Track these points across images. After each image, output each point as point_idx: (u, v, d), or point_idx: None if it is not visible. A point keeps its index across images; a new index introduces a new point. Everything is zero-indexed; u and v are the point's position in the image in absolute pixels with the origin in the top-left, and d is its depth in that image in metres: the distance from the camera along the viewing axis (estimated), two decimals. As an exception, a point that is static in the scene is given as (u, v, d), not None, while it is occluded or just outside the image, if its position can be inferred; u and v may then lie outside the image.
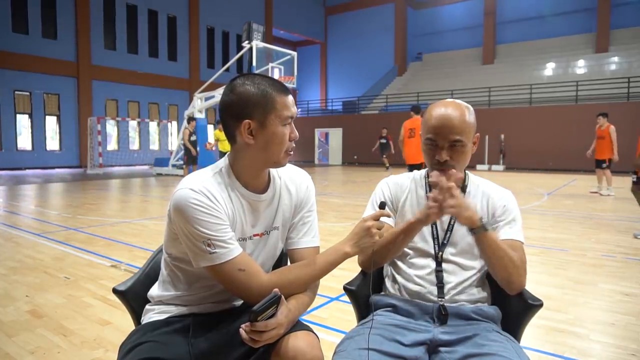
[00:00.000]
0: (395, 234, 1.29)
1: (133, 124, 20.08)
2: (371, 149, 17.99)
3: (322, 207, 7.25)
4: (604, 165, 8.95)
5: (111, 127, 19.52)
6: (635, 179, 5.32)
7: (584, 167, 14.90)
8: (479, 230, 1.19)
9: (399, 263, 1.38)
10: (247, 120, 1.10)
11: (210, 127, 19.28)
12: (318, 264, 1.17)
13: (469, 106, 1.33)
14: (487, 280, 1.37)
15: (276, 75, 13.29)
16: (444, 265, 1.31)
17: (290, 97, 1.15)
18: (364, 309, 1.40)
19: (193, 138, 11.13)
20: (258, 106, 1.11)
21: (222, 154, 11.56)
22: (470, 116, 1.30)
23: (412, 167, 6.96)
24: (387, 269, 1.45)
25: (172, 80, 21.34)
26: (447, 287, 1.29)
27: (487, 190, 1.38)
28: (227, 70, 16.64)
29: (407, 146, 7.13)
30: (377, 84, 26.61)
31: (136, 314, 1.32)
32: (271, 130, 1.12)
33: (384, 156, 16.96)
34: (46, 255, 4.14)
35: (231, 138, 1.16)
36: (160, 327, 1.17)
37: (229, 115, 1.13)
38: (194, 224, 1.06)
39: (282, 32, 28.06)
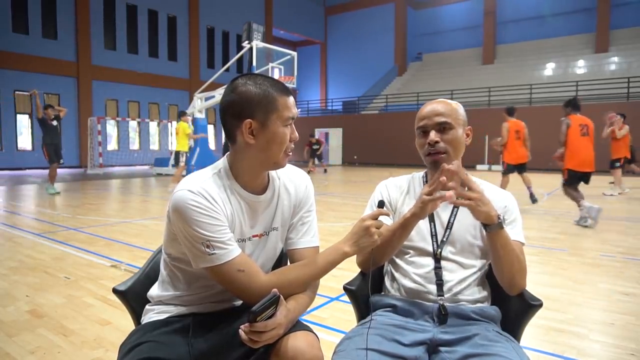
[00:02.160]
0: (391, 231, 1.29)
1: (133, 124, 20.08)
2: (371, 149, 17.94)
3: (322, 207, 7.26)
4: (617, 164, 9.09)
5: (111, 127, 19.52)
6: (564, 181, 5.85)
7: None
8: (494, 227, 1.19)
9: (399, 262, 1.38)
10: (248, 120, 1.10)
11: (210, 127, 19.30)
12: (317, 263, 1.17)
13: (459, 104, 1.40)
14: (487, 280, 1.37)
15: (276, 75, 13.29)
16: (443, 263, 1.31)
17: (291, 98, 1.16)
18: (363, 309, 1.40)
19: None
20: (260, 106, 1.11)
21: (176, 154, 10.56)
22: (458, 108, 1.38)
23: (514, 168, 7.19)
24: (387, 269, 1.45)
25: (172, 80, 21.34)
26: (446, 285, 1.29)
27: (488, 191, 1.39)
28: (227, 70, 16.63)
29: (511, 148, 7.21)
30: (377, 84, 26.60)
31: (136, 314, 1.32)
32: (272, 131, 1.12)
33: (315, 161, 16.85)
34: (46, 255, 4.14)
35: (231, 138, 1.16)
36: (160, 327, 1.17)
37: (230, 114, 1.13)
38: (193, 225, 1.06)
39: (282, 32, 28.05)
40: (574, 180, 5.75)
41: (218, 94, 13.32)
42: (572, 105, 6.06)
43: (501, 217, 1.20)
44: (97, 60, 18.44)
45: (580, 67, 21.26)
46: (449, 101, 1.39)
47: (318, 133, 24.53)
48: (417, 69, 27.73)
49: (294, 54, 14.03)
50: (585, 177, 5.74)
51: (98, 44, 18.50)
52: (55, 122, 8.72)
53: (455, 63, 26.36)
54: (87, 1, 17.92)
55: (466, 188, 1.20)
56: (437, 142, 1.32)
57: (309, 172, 16.67)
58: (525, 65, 22.80)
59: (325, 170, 16.97)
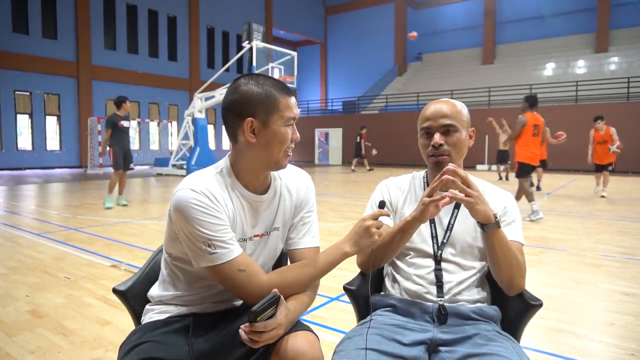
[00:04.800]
0: (392, 234, 1.28)
1: (133, 124, 20.03)
2: (370, 148, 17.89)
3: (322, 207, 7.25)
4: (610, 168, 8.97)
5: (111, 127, 19.50)
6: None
7: (584, 167, 14.90)
8: (491, 226, 1.18)
9: (399, 263, 1.38)
10: (250, 118, 1.11)
11: (210, 127, 19.29)
12: (317, 263, 1.17)
13: (463, 104, 1.39)
14: (487, 280, 1.37)
15: (276, 75, 13.28)
16: (443, 264, 1.31)
17: (293, 99, 1.16)
18: (363, 309, 1.40)
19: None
20: (261, 106, 1.11)
21: None
22: (463, 109, 1.36)
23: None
24: (387, 269, 1.45)
25: (172, 80, 21.33)
26: (446, 286, 1.29)
27: (487, 191, 1.38)
28: (227, 70, 16.63)
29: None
30: (377, 84, 26.61)
31: (136, 314, 1.32)
32: (273, 130, 1.12)
33: (364, 158, 17.22)
34: (46, 255, 4.14)
35: (233, 137, 1.16)
36: (160, 327, 1.17)
37: (232, 113, 1.13)
38: (195, 224, 1.06)
39: (282, 32, 28.06)
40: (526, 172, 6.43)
41: (218, 94, 13.33)
42: (530, 102, 6.48)
43: (498, 217, 1.20)
44: (97, 60, 18.44)
45: (580, 67, 21.27)
46: (454, 101, 1.37)
47: (318, 133, 24.55)
48: (417, 69, 27.73)
49: (294, 54, 14.04)
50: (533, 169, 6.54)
51: (98, 44, 18.49)
52: (127, 123, 7.45)
53: (455, 63, 26.37)
54: (87, 1, 17.91)
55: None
56: (441, 144, 1.31)
57: (368, 170, 16.94)
58: (525, 65, 22.81)
59: (354, 170, 17.22)
